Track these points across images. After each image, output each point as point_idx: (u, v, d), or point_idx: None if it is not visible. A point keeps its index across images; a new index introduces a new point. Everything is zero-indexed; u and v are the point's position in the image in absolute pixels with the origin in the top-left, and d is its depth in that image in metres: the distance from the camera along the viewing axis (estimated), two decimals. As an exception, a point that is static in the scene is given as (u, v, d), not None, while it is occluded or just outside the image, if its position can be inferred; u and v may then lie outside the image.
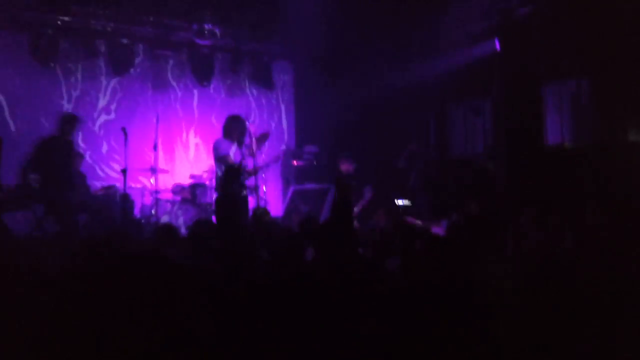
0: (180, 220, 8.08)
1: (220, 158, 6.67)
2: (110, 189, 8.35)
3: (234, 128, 6.79)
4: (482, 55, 8.13)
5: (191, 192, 8.29)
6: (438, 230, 5.60)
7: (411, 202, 8.49)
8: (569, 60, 7.21)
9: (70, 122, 6.81)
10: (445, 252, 3.08)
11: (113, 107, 9.24)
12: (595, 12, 6.80)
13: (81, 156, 8.38)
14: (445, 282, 2.56)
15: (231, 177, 6.52)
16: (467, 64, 8.29)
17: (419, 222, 6.79)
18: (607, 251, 3.95)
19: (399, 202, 8.57)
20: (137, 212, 8.18)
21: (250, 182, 7.10)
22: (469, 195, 6.94)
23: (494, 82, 8.12)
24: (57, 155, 6.67)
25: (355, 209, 7.65)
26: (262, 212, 6.97)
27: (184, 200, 8.16)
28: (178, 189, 8.34)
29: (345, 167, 8.27)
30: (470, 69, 8.26)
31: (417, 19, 8.28)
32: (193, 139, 9.95)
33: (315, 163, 9.92)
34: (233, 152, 6.66)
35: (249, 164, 6.96)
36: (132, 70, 9.31)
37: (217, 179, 6.72)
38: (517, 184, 7.55)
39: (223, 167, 6.63)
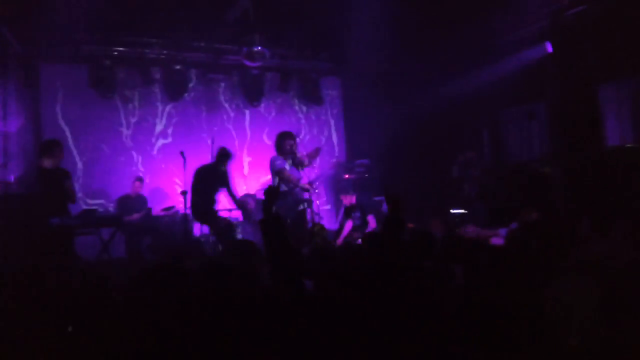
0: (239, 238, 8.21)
1: (276, 172, 6.99)
2: (170, 210, 8.64)
3: (285, 144, 7.02)
4: (534, 58, 7.98)
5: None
6: (497, 240, 5.50)
7: (467, 211, 8.40)
8: (625, 58, 6.98)
9: (226, 155, 7.23)
10: (508, 265, 3.05)
11: (170, 131, 9.56)
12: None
13: (141, 180, 8.71)
14: (512, 298, 2.53)
15: (270, 198, 6.67)
16: (519, 68, 8.15)
17: (477, 230, 6.69)
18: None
19: (455, 211, 8.49)
20: (196, 232, 8.39)
21: (305, 196, 7.22)
22: (527, 203, 6.79)
23: (547, 85, 7.94)
24: (217, 181, 7.19)
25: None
26: (319, 228, 7.08)
27: (245, 216, 8.30)
28: (244, 198, 8.53)
29: (348, 200, 8.44)
30: (522, 74, 8.11)
31: (466, 27, 8.21)
32: (246, 158, 10.16)
33: (367, 176, 9.94)
34: (288, 166, 6.91)
35: (304, 179, 7.12)
36: (186, 95, 9.65)
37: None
38: (576, 188, 7.33)
39: (277, 180, 6.84)
